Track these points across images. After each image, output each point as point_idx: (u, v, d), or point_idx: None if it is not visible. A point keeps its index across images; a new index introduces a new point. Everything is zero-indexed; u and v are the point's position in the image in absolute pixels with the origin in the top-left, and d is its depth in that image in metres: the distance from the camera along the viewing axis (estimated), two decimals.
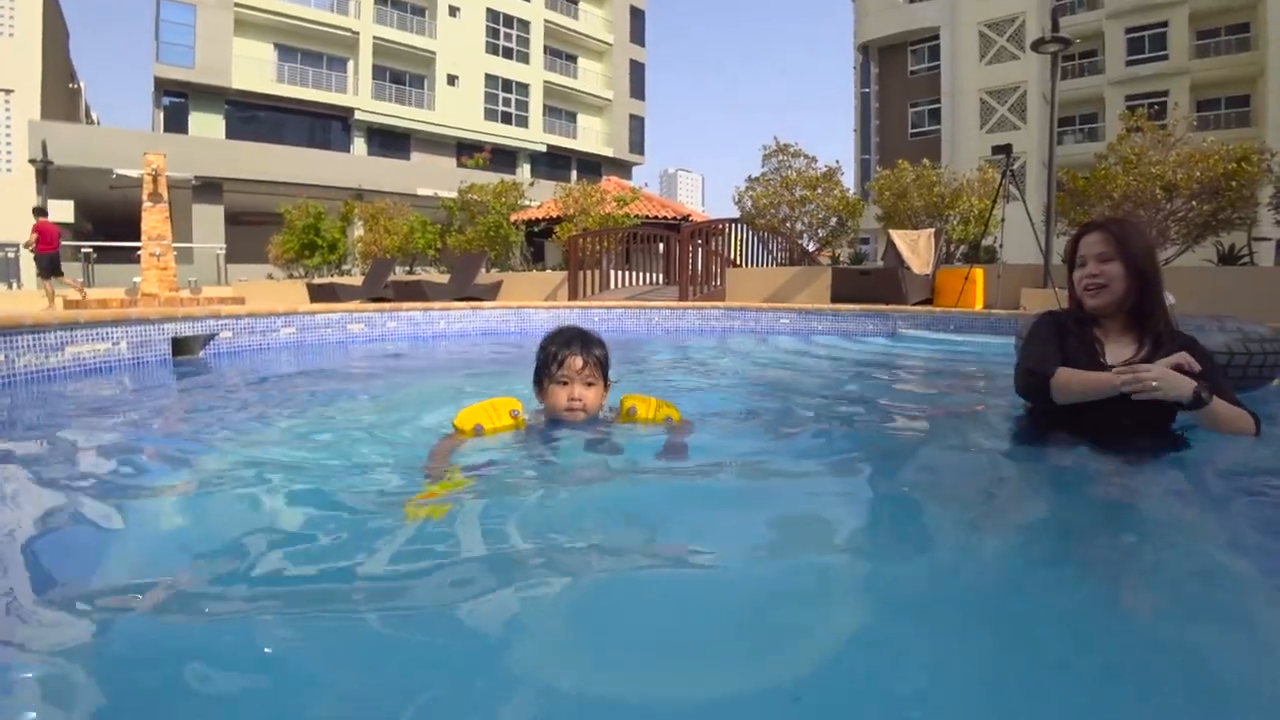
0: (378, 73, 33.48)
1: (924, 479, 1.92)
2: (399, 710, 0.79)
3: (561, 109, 40.56)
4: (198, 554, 1.30)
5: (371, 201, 18.74)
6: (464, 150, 33.76)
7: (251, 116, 30.86)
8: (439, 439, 1.97)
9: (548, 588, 1.13)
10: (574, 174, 37.64)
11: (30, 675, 0.88)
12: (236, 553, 1.28)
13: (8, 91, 23.62)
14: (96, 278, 22.23)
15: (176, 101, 29.46)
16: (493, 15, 36.91)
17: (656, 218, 16.49)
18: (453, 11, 35.47)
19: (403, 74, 34.61)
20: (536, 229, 16.33)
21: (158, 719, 0.82)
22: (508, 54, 37.64)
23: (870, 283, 9.15)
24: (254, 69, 30.32)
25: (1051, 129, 9.69)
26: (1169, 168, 9.68)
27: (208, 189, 25.23)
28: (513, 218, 15.61)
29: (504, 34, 37.42)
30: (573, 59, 41.41)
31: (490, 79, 36.78)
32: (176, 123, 29.28)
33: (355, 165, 29.82)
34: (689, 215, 17.71)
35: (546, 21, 39.06)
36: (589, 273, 11.53)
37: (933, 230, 10.28)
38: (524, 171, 35.69)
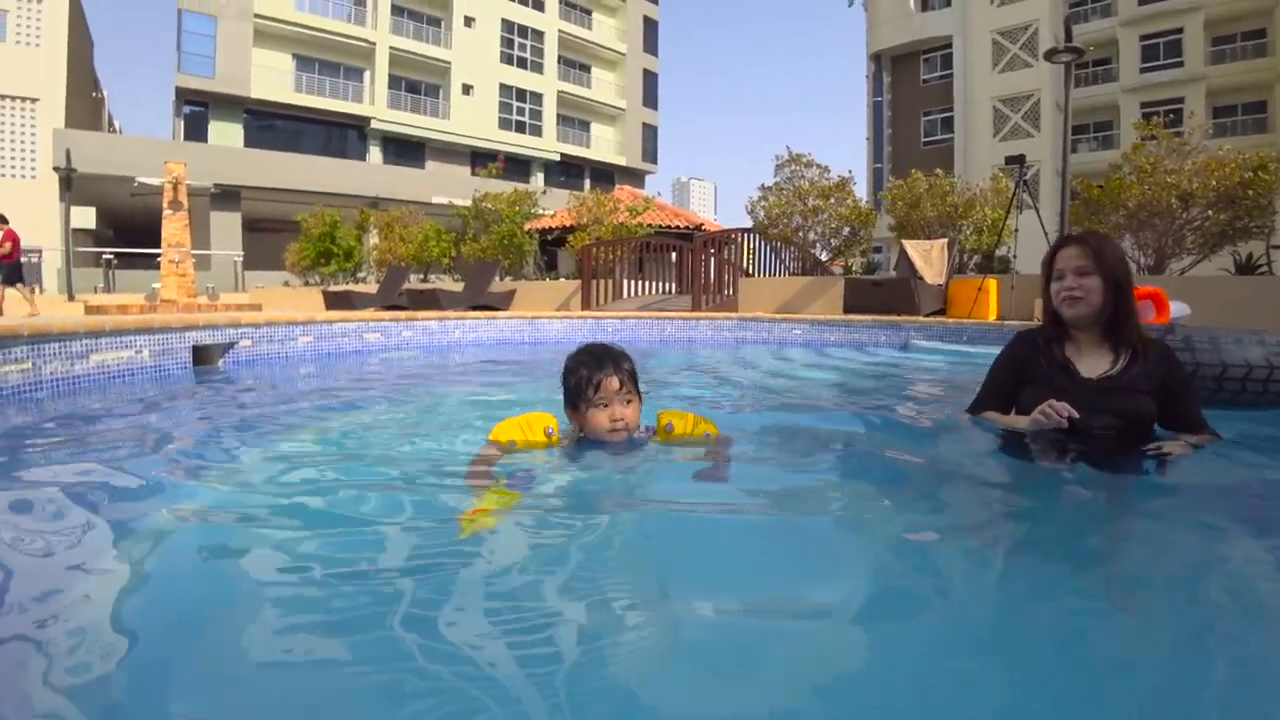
0: (394, 82, 33.84)
1: (944, 498, 1.94)
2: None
3: (575, 118, 40.80)
4: (239, 571, 1.31)
5: (387, 210, 18.94)
6: (478, 159, 34.04)
7: (269, 125, 31.27)
8: (477, 452, 1.98)
9: (597, 611, 1.13)
10: (587, 183, 37.81)
11: (51, 683, 0.91)
12: (275, 565, 1.31)
13: (33, 100, 24.07)
14: (117, 283, 22.56)
15: (197, 111, 29.91)
16: (507, 25, 37.24)
17: (669, 227, 16.54)
18: (468, 22, 35.82)
19: (418, 84, 34.97)
20: (550, 238, 16.43)
21: None
22: (522, 64, 37.94)
23: (883, 293, 9.14)
24: (272, 79, 30.75)
25: (1065, 138, 9.67)
26: (1184, 176, 9.63)
27: (226, 197, 25.57)
28: (526, 226, 15.72)
29: (518, 44, 37.74)
30: (586, 69, 41.67)
31: (505, 88, 37.09)
32: (196, 131, 29.72)
33: (371, 174, 30.14)
34: (701, 224, 17.75)
35: (560, 32, 39.36)
36: (602, 282, 11.59)
37: (946, 240, 10.28)
38: (538, 180, 35.89)
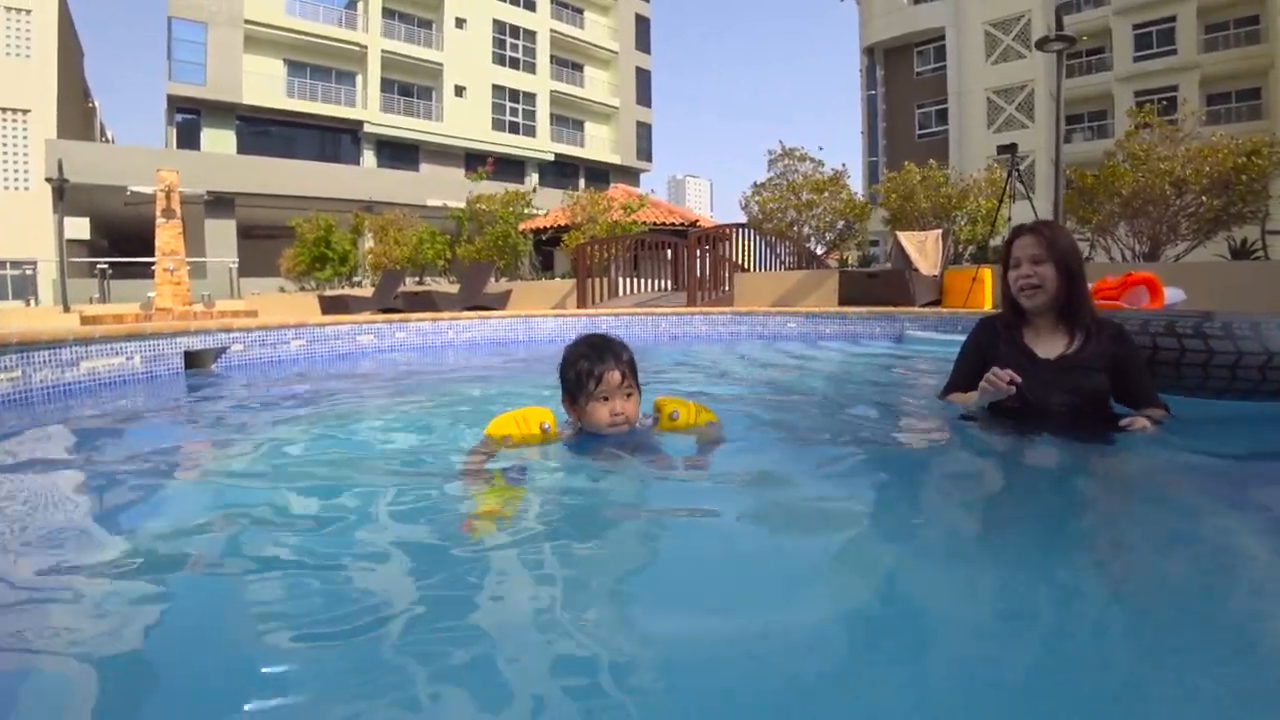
0: (386, 85, 33.80)
1: (936, 483, 1.99)
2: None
3: (569, 118, 40.77)
4: (234, 575, 1.29)
5: (381, 213, 18.92)
6: (473, 161, 34.01)
7: (262, 131, 31.24)
8: (472, 448, 1.97)
9: (599, 611, 1.12)
10: (582, 182, 37.79)
11: (43, 689, 0.90)
12: (273, 566, 1.29)
13: (25, 111, 24.05)
14: (112, 293, 22.54)
15: (189, 118, 29.87)
16: (499, 26, 37.21)
17: (664, 224, 16.53)
18: (459, 23, 35.79)
19: (411, 86, 34.93)
20: (545, 237, 16.43)
21: None
22: (514, 64, 37.91)
23: (877, 285, 9.13)
24: (264, 84, 30.71)
25: (1058, 127, 9.66)
26: (1178, 163, 9.62)
27: (220, 204, 25.55)
28: (521, 227, 15.71)
29: (510, 44, 37.70)
30: (579, 68, 41.63)
31: (497, 89, 37.05)
32: (189, 139, 29.69)
33: (365, 178, 30.11)
34: (696, 221, 17.73)
35: (553, 31, 39.32)
36: (597, 280, 11.58)
37: (940, 231, 10.27)
38: (532, 180, 35.87)
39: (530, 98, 38.37)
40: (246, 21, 29.82)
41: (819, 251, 13.17)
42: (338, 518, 1.58)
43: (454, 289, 12.33)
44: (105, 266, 23.12)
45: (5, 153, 23.81)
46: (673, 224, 16.76)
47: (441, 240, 16.92)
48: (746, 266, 12.71)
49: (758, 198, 12.89)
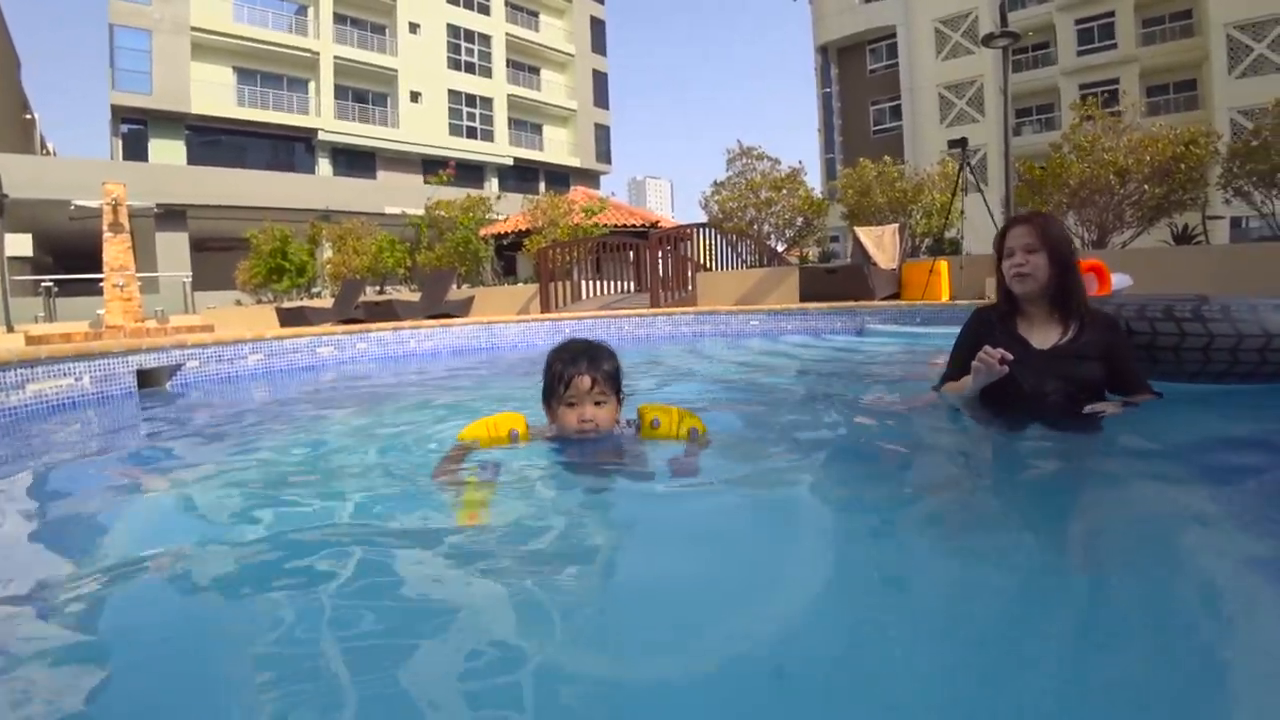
0: (340, 92, 33.26)
1: (900, 471, 2.01)
2: None
3: (527, 121, 40.56)
4: (197, 600, 1.26)
5: (339, 222, 18.61)
6: (430, 166, 33.62)
7: (213, 141, 30.50)
8: (444, 454, 1.95)
9: (551, 605, 1.12)
10: (542, 185, 37.64)
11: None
12: (239, 586, 1.27)
13: None
14: (59, 311, 21.78)
15: (135, 129, 29.04)
16: (454, 30, 36.86)
17: (625, 226, 16.55)
18: (413, 28, 35.37)
19: (365, 92, 34.41)
20: (506, 242, 16.33)
21: None
22: (470, 69, 37.60)
23: (837, 280, 9.27)
24: (213, 93, 29.97)
25: (1006, 121, 9.91)
26: (1121, 153, 9.95)
27: (171, 216, 24.87)
28: (482, 232, 15.60)
29: (465, 49, 37.38)
30: (536, 71, 41.45)
31: (454, 94, 36.71)
32: (136, 150, 28.86)
33: (321, 186, 29.59)
34: (658, 222, 17.79)
35: (508, 35, 39.08)
36: (560, 284, 11.55)
37: (897, 225, 10.46)
38: (492, 185, 35.63)
39: (487, 102, 38.09)
40: (193, 29, 29.07)
41: (780, 249, 13.31)
42: (306, 533, 1.56)
43: (415, 297, 12.18)
44: (50, 284, 22.32)
45: None
46: (633, 225, 16.80)
47: (401, 248, 16.72)
48: (709, 266, 12.79)
49: (717, 197, 12.98)
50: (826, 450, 2.24)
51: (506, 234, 16.28)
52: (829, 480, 1.88)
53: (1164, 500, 1.63)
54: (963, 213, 11.33)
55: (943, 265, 9.20)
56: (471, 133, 37.37)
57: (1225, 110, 25.33)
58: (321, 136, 32.51)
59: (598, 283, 12.42)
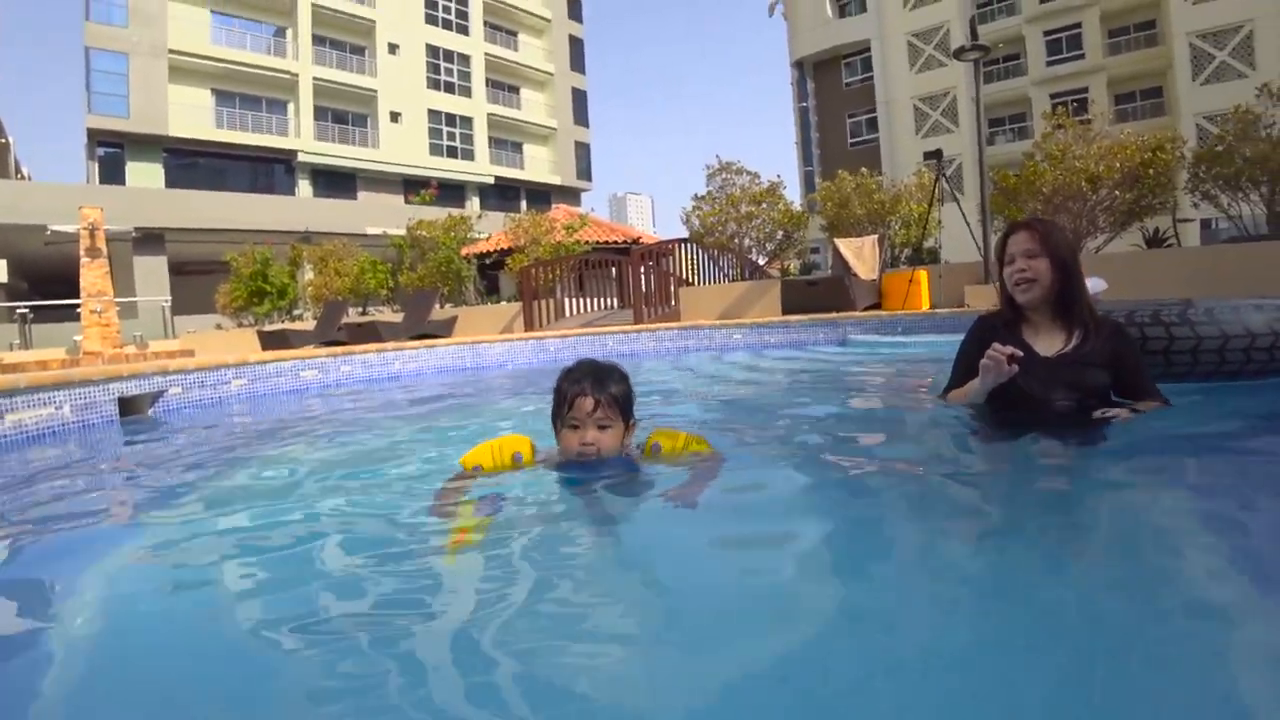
0: (319, 113, 33.25)
1: (916, 485, 1.97)
2: None
3: (507, 140, 40.72)
4: (198, 631, 1.24)
5: (320, 244, 18.54)
6: (411, 186, 33.64)
7: (191, 164, 30.36)
8: (445, 481, 1.91)
9: (546, 635, 1.12)
10: (524, 203, 37.78)
11: None
12: (234, 617, 1.26)
13: None
14: (35, 338, 21.48)
15: (112, 152, 28.85)
16: (433, 51, 37.02)
17: (607, 243, 16.63)
18: (392, 49, 35.49)
19: (345, 113, 34.43)
20: (489, 261, 16.35)
21: None
22: (449, 88, 37.75)
23: (818, 292, 9.37)
24: (191, 115, 29.87)
25: (979, 131, 10.10)
26: (1091, 160, 10.16)
27: (149, 240, 24.68)
28: (464, 252, 15.61)
29: (445, 69, 37.54)
30: (515, 90, 41.68)
31: (434, 114, 36.82)
32: (113, 174, 28.65)
33: (301, 208, 29.50)
34: (639, 238, 17.90)
35: (487, 54, 39.31)
36: (543, 302, 11.58)
37: (876, 236, 10.59)
38: (473, 204, 35.69)
39: (467, 121, 38.23)
40: (171, 51, 29.02)
41: (761, 262, 13.42)
42: (296, 562, 1.55)
43: (398, 318, 12.15)
44: (26, 311, 22.06)
45: None
46: (615, 242, 16.88)
47: (383, 269, 16.69)
48: (691, 280, 12.87)
49: (698, 212, 13.09)
50: (839, 473, 2.14)
51: (489, 253, 16.30)
52: (841, 506, 1.82)
53: (1174, 509, 1.62)
54: (940, 222, 11.50)
55: (922, 275, 9.32)
56: (452, 152, 37.48)
57: (1191, 116, 25.95)
58: (301, 158, 32.46)
59: (581, 300, 12.46)
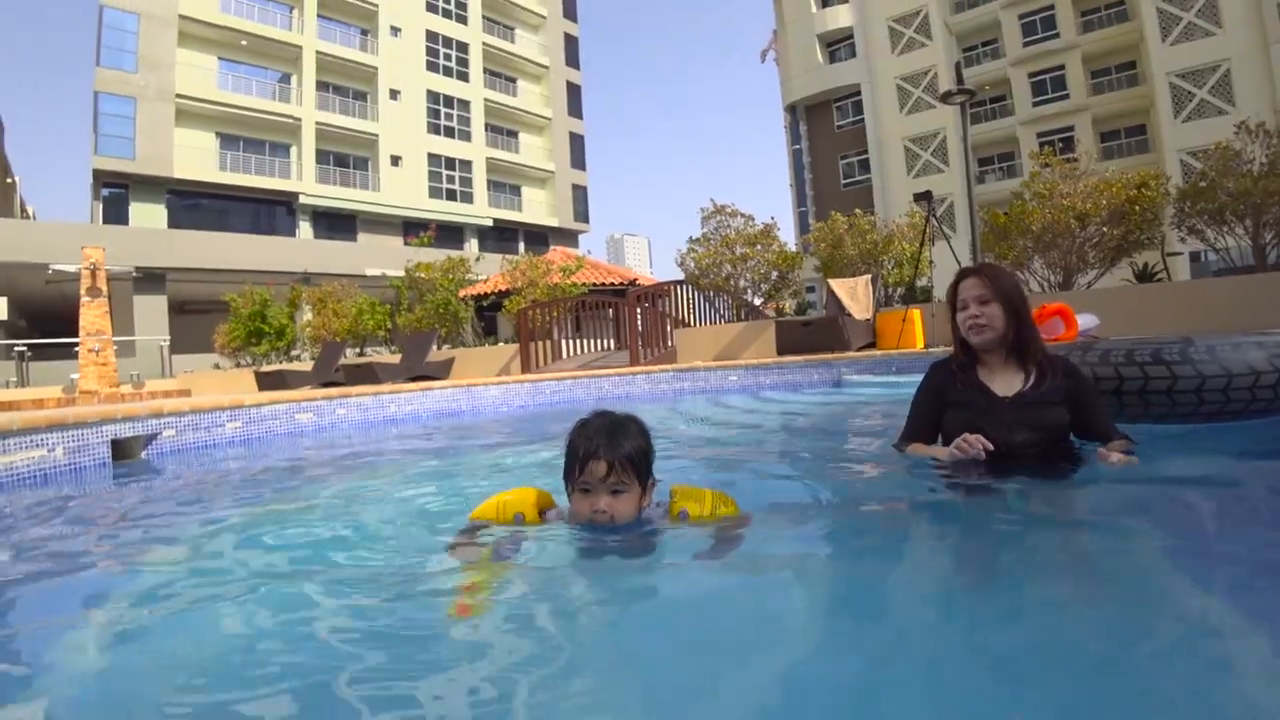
0: (321, 157, 33.78)
1: (915, 544, 1.91)
2: None
3: (505, 183, 41.32)
4: (196, 688, 1.21)
5: (319, 285, 18.68)
6: (411, 229, 34.01)
7: (194, 205, 30.71)
8: (456, 535, 1.83)
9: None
10: (521, 245, 38.21)
11: None
12: (232, 673, 1.24)
13: None
14: (32, 376, 21.48)
15: (116, 192, 29.19)
16: (433, 96, 37.80)
17: (603, 284, 16.77)
18: (393, 94, 36.22)
19: (346, 157, 34.98)
20: (486, 303, 16.46)
21: None
22: (449, 133, 38.44)
23: (812, 333, 9.44)
24: (196, 158, 30.32)
25: (968, 171, 10.29)
26: (1079, 198, 10.33)
27: (150, 280, 24.86)
28: (462, 293, 15.72)
29: (445, 114, 38.28)
30: (514, 134, 42.45)
31: (433, 158, 37.43)
32: (116, 214, 28.96)
33: (301, 249, 29.80)
34: (636, 279, 18.06)
35: (486, 100, 40.12)
36: (540, 344, 11.63)
37: (869, 276, 10.71)
38: (472, 246, 36.03)
39: (466, 165, 38.84)
40: (178, 96, 29.57)
41: (756, 303, 13.52)
42: (286, 619, 1.51)
43: (396, 359, 12.19)
44: (24, 349, 22.10)
45: None
46: (612, 284, 17.03)
47: (381, 310, 16.78)
48: (687, 321, 12.96)
49: (693, 254, 13.23)
50: (870, 533, 2.01)
51: (487, 294, 16.41)
52: (813, 553, 1.76)
53: (1156, 547, 1.62)
54: (931, 261, 11.63)
55: (915, 314, 9.41)
56: (451, 195, 37.99)
57: (1174, 153, 26.46)
58: (303, 200, 32.87)
59: (578, 341, 12.52)
